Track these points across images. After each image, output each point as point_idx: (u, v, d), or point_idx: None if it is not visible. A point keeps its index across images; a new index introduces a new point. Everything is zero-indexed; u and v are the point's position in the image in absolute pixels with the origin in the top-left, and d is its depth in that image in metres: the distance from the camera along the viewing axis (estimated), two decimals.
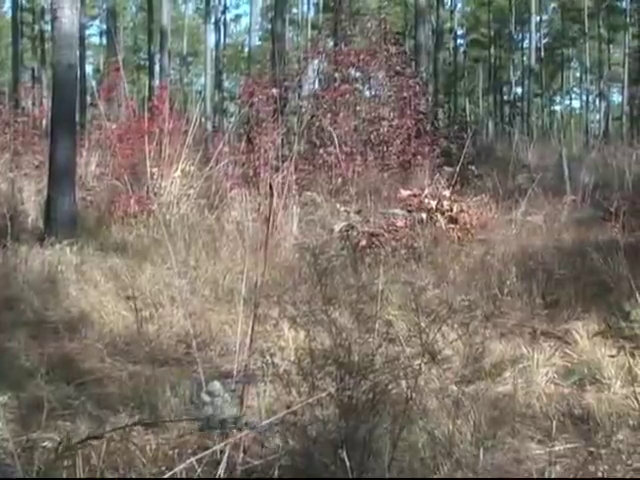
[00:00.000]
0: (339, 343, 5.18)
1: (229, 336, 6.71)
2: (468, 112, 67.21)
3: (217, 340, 6.93)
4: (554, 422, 4.65)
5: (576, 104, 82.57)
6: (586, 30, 63.62)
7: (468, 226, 10.50)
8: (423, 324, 5.98)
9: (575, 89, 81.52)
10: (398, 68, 18.53)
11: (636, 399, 5.03)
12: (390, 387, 4.89)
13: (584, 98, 72.88)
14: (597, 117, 67.91)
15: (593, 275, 8.67)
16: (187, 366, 6.22)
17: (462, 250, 9.76)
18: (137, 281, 8.69)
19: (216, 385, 3.64)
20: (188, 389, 5.41)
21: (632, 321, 7.22)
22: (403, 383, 4.94)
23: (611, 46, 69.16)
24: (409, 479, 5.03)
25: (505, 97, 71.27)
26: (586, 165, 17.21)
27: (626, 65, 61.77)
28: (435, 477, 5.33)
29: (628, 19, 61.09)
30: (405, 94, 17.89)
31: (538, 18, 62.43)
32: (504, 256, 9.11)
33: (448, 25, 62.90)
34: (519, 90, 68.05)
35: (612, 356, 5.64)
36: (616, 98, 73.12)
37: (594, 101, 69.27)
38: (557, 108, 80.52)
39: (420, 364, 5.07)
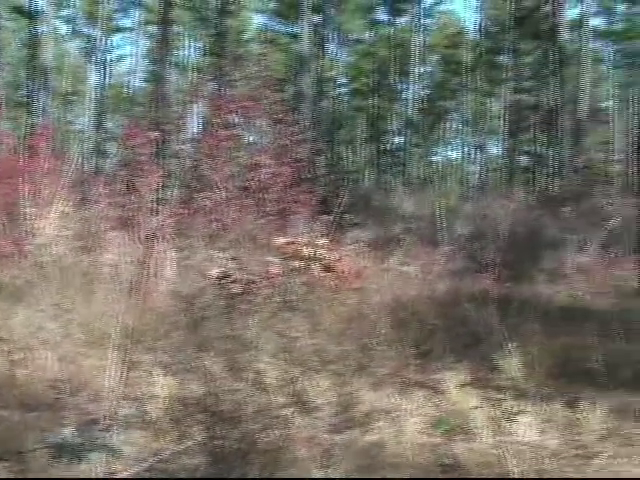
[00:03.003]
0: (210, 391, 5.17)
1: (101, 381, 6.60)
2: (348, 160, 67.94)
3: (89, 385, 6.80)
4: (424, 471, 4.71)
5: (455, 155, 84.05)
6: (466, 83, 64.98)
7: (343, 275, 10.54)
8: (295, 373, 6.01)
9: (454, 140, 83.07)
10: (279, 115, 18.61)
11: (503, 449, 5.12)
12: (260, 436, 4.88)
13: (463, 149, 74.21)
14: (475, 168, 69.11)
15: (465, 326, 8.81)
16: (58, 412, 6.09)
17: (337, 299, 9.79)
18: (8, 324, 8.51)
19: (85, 432, 3.60)
20: (58, 436, 5.32)
21: (501, 372, 7.37)
22: (274, 432, 4.94)
23: (490, 99, 70.71)
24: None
25: (385, 146, 72.11)
26: (462, 216, 17.52)
27: (504, 118, 63.25)
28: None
29: (507, 74, 62.61)
30: (284, 141, 17.96)
31: (419, 70, 63.58)
32: (378, 305, 9.17)
33: (330, 73, 63.63)
34: (399, 140, 68.94)
35: (475, 407, 5.73)
36: (494, 150, 74.67)
37: (472, 153, 70.54)
38: (436, 158, 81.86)
39: (291, 413, 5.08)
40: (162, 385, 6.38)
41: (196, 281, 10.28)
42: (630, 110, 60.49)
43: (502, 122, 63.36)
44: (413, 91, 61.90)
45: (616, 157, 53.35)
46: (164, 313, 8.83)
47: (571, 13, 52.04)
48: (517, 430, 5.74)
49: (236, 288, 9.66)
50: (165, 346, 7.33)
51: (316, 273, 10.42)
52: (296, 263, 10.46)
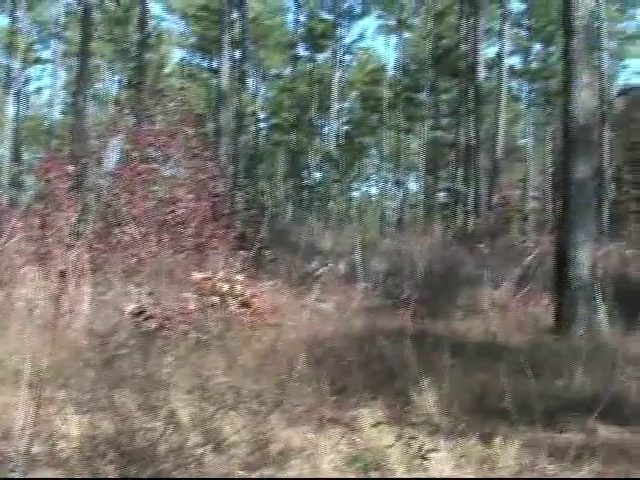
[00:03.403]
0: (123, 430, 5.11)
1: (12, 419, 6.48)
2: (267, 196, 67.97)
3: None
4: None
5: (374, 191, 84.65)
6: (385, 119, 65.64)
7: (260, 311, 10.52)
8: (210, 411, 5.97)
9: (373, 176, 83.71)
10: (197, 150, 18.55)
11: None
12: (174, 475, 4.84)
13: (381, 185, 74.88)
14: (394, 204, 69.69)
15: (381, 362, 8.84)
16: None
17: (253, 335, 9.75)
18: None
19: None
20: None
21: (416, 408, 7.39)
22: (187, 470, 4.90)
23: (409, 136, 71.44)
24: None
25: (304, 181, 72.35)
26: (380, 252, 17.63)
27: (422, 155, 64.00)
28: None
29: (425, 111, 63.37)
30: (203, 176, 17.91)
31: (339, 106, 64.07)
32: (295, 342, 9.16)
33: (250, 108, 63.69)
34: (318, 175, 69.28)
35: (389, 446, 5.74)
36: (412, 186, 75.39)
37: (391, 188, 71.14)
38: (355, 194, 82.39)
39: (204, 451, 5.04)
40: (75, 423, 6.27)
41: (111, 317, 10.17)
42: (545, 148, 61.52)
43: (421, 158, 64.12)
44: (333, 127, 62.26)
45: (532, 194, 54.11)
46: (78, 349, 8.71)
47: (488, 52, 53.00)
48: (432, 466, 5.76)
49: (152, 324, 9.57)
50: (79, 383, 7.22)
51: (233, 309, 10.37)
52: (213, 299, 10.41)
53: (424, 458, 5.23)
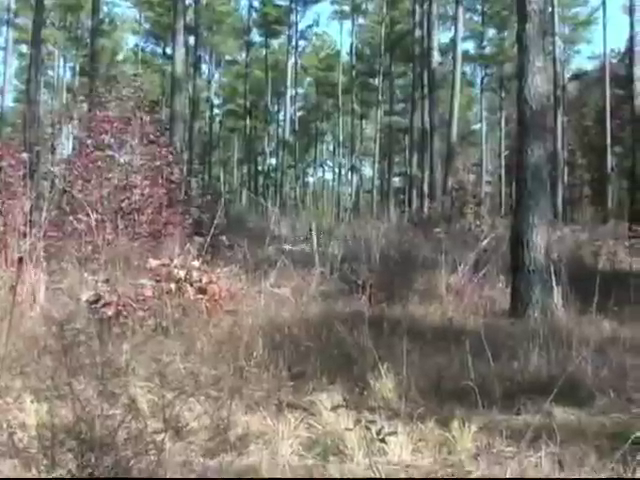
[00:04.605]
0: (82, 418, 5.08)
1: None
2: (222, 181, 67.85)
3: None
4: None
5: (329, 176, 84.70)
6: (340, 105, 65.69)
7: (217, 297, 10.49)
8: (169, 397, 5.96)
9: (328, 162, 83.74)
10: (152, 136, 18.47)
11: (376, 469, 5.15)
12: (133, 462, 4.82)
13: (337, 171, 74.90)
14: (349, 190, 69.79)
15: (339, 347, 8.86)
16: None
17: (210, 321, 9.73)
18: None
19: None
20: None
21: (374, 392, 7.43)
22: (147, 458, 4.89)
23: (364, 121, 71.55)
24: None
25: (260, 167, 72.27)
26: (336, 237, 17.61)
27: (377, 140, 64.11)
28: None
29: (380, 96, 63.50)
30: (158, 163, 17.84)
31: (293, 91, 64.07)
32: (252, 328, 9.14)
33: (205, 94, 63.50)
34: (273, 161, 69.19)
35: (349, 429, 5.76)
36: (367, 172, 75.51)
37: (346, 174, 71.23)
38: (310, 180, 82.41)
39: (164, 438, 5.03)
40: (33, 411, 6.24)
41: (68, 305, 10.12)
42: (499, 132, 61.90)
43: (375, 144, 64.26)
44: (288, 112, 62.22)
45: (486, 178, 54.46)
46: (35, 338, 8.65)
47: (443, 37, 53.22)
48: (391, 450, 5.79)
49: (109, 311, 9.52)
50: (36, 371, 7.19)
51: (190, 295, 10.34)
52: (170, 285, 10.36)
53: (383, 441, 5.24)
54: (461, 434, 6.10)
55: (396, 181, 65.59)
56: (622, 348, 8.99)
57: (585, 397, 7.39)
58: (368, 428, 5.24)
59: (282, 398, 7.21)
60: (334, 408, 6.37)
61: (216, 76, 72.00)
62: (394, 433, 5.71)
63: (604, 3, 48.22)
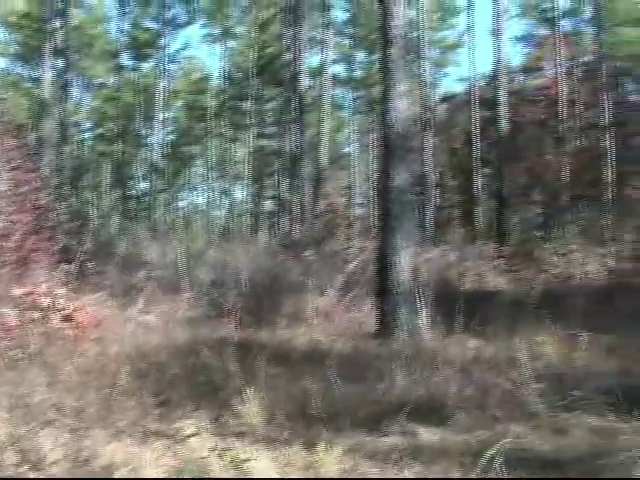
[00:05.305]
0: None
1: None
2: (93, 207, 66.94)
3: None
4: None
5: (201, 200, 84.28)
6: (211, 129, 65.51)
7: (83, 325, 10.37)
8: (30, 429, 5.88)
9: (200, 186, 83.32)
10: (19, 161, 18.13)
11: None
12: None
13: (208, 195, 74.52)
14: (221, 214, 69.54)
15: (205, 373, 8.84)
16: None
17: (76, 350, 9.61)
18: None
19: None
20: None
21: (240, 417, 7.44)
22: None
23: (235, 145, 71.48)
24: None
25: (131, 192, 71.52)
26: (205, 262, 17.58)
27: (248, 164, 64.13)
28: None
29: (251, 120, 63.54)
30: (24, 188, 17.52)
31: (164, 115, 63.57)
32: (118, 356, 9.07)
33: (74, 118, 62.63)
34: (144, 185, 68.54)
35: (203, 457, 5.77)
36: (239, 195, 75.41)
37: (218, 198, 70.96)
38: (182, 204, 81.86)
39: (23, 471, 4.97)
40: None
41: None
42: (370, 155, 62.55)
43: (246, 167, 64.26)
44: (158, 136, 61.79)
45: (357, 201, 54.93)
46: None
47: (313, 60, 53.61)
48: (257, 475, 5.81)
49: None
50: None
51: (55, 324, 10.19)
52: (34, 314, 10.20)
53: (237, 468, 5.27)
54: (326, 457, 6.15)
55: (268, 204, 65.66)
56: (485, 366, 9.16)
57: (449, 416, 7.51)
58: (221, 455, 5.27)
59: (148, 426, 7.17)
60: (200, 434, 6.39)
61: (86, 99, 71.12)
62: (249, 460, 5.74)
63: (471, 27, 49.11)
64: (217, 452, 5.32)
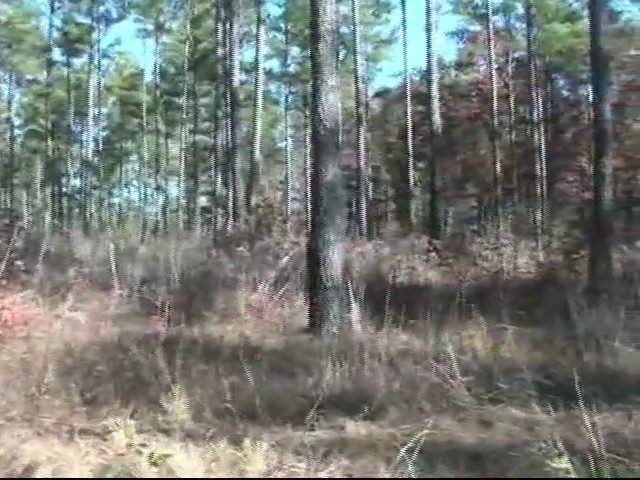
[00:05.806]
0: None
1: None
2: (25, 204, 66.24)
3: None
4: None
5: (135, 197, 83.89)
6: (145, 124, 65.17)
7: (10, 323, 10.26)
8: None
9: (134, 182, 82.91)
10: None
11: None
12: None
13: (143, 191, 74.19)
14: (155, 210, 69.21)
15: (133, 370, 8.78)
16: None
17: (2, 349, 9.51)
18: None
19: None
20: None
21: (167, 414, 7.40)
22: None
23: (169, 140, 71.12)
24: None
25: (63, 189, 70.88)
26: (137, 259, 17.48)
27: (183, 159, 63.96)
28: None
29: (185, 115, 63.33)
30: None
31: (97, 111, 63.08)
32: (45, 354, 8.97)
33: (5, 115, 61.90)
34: (77, 182, 68.06)
35: (120, 454, 5.74)
36: (174, 191, 75.14)
37: (152, 194, 70.62)
38: (116, 200, 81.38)
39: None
40: None
41: None
42: (305, 150, 62.60)
43: (181, 163, 64.07)
44: (91, 132, 61.28)
45: (292, 196, 55.01)
46: None
47: (247, 55, 53.54)
48: (183, 471, 5.79)
49: None
50: None
51: None
52: None
53: (154, 465, 5.24)
54: (253, 453, 6.14)
55: (202, 200, 65.53)
56: (413, 360, 9.20)
57: (377, 410, 7.54)
58: (139, 452, 5.24)
59: (74, 424, 7.10)
60: (127, 431, 6.35)
61: (17, 96, 70.35)
62: (169, 455, 5.71)
63: (404, 22, 49.44)
64: (134, 448, 5.28)
